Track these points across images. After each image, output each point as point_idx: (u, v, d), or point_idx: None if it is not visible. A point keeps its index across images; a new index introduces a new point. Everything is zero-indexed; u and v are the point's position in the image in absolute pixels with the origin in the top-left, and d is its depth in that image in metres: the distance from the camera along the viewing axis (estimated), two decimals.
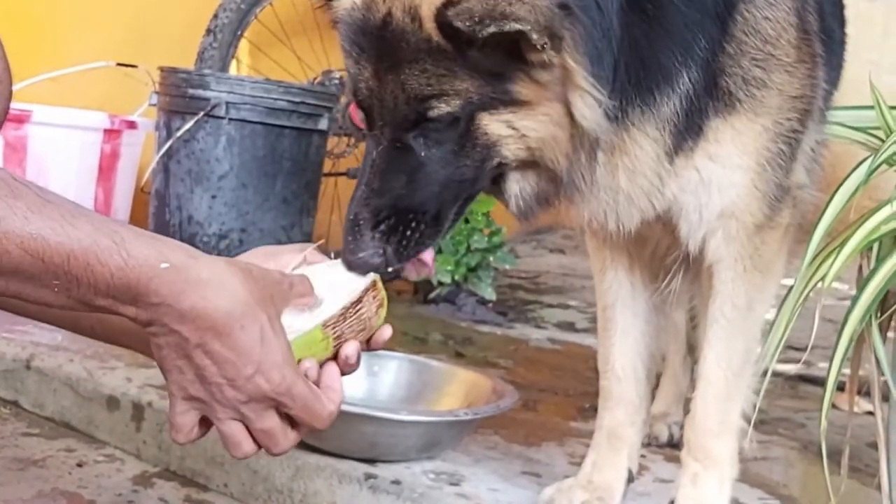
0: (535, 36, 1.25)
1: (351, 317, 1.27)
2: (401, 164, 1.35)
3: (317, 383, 1.26)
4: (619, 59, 1.38)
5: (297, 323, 1.24)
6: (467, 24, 1.25)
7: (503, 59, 1.30)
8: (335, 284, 1.29)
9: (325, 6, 1.40)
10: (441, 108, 1.32)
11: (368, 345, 1.33)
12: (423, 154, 1.35)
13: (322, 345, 1.25)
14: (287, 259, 1.35)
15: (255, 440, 1.22)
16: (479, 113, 1.33)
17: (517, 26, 1.24)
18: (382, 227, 1.35)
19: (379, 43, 1.31)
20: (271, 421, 1.21)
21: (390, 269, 1.36)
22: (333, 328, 1.26)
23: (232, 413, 1.19)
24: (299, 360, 1.25)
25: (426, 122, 1.33)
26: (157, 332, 1.14)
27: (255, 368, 1.16)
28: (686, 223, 1.58)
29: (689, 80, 1.45)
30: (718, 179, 1.54)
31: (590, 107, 1.35)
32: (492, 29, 1.24)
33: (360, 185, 1.37)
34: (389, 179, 1.35)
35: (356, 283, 1.30)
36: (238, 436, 1.21)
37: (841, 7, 1.83)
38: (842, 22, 1.83)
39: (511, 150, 1.37)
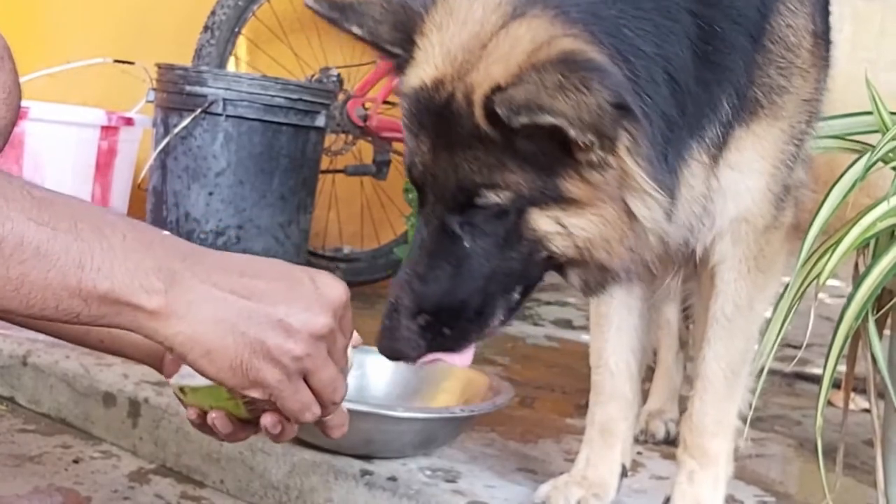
0: (573, 133, 1.21)
1: None
2: (447, 251, 1.33)
3: (227, 437, 1.22)
4: (688, 113, 1.36)
5: None
6: (504, 111, 1.21)
7: (553, 153, 1.27)
8: None
9: (397, 76, 1.37)
10: (489, 198, 1.30)
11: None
12: (469, 244, 1.33)
13: (230, 403, 1.19)
14: None
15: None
16: (529, 207, 1.31)
17: (552, 121, 1.20)
18: (421, 319, 1.34)
19: (439, 123, 1.29)
20: (343, 339, 1.15)
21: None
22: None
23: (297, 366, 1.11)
24: (209, 408, 1.21)
25: (474, 210, 1.31)
26: (195, 321, 1.04)
27: (312, 282, 1.12)
28: (699, 229, 1.57)
29: (728, 103, 1.44)
30: (735, 186, 1.54)
31: (651, 209, 1.32)
32: (523, 120, 1.20)
33: (407, 264, 1.35)
34: (434, 266, 1.33)
35: None
36: (339, 379, 1.15)
37: (827, 6, 1.84)
38: (827, 21, 1.83)
39: (558, 247, 1.34)
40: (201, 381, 1.17)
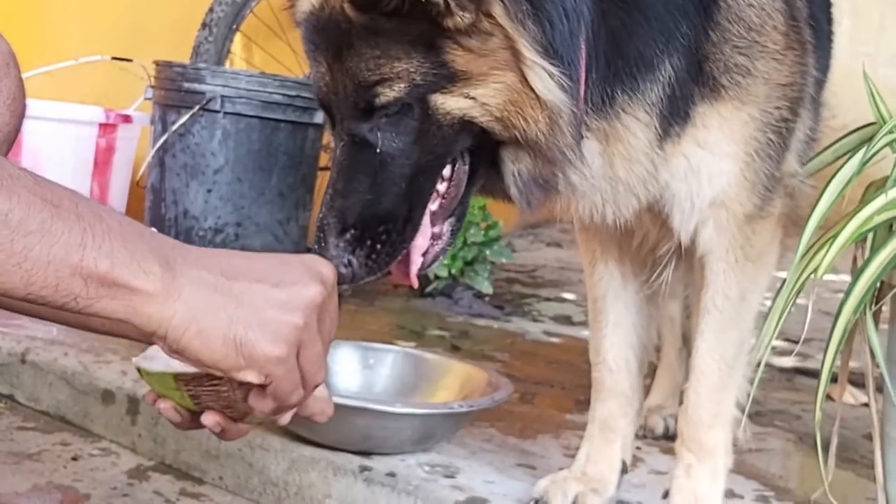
0: None
1: (206, 385, 1.19)
2: (363, 162, 1.32)
3: (179, 426, 1.23)
4: (593, 44, 1.35)
5: (162, 360, 1.20)
6: None
7: (424, 29, 1.27)
8: None
9: (290, 10, 1.40)
10: (388, 94, 1.29)
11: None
12: (382, 148, 1.32)
13: (177, 394, 1.21)
14: None
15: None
16: (430, 95, 1.31)
17: None
18: (349, 234, 1.33)
19: (325, 35, 1.31)
20: (329, 314, 1.16)
21: (357, 279, 1.32)
22: (187, 385, 1.20)
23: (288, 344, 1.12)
24: (159, 395, 1.23)
25: (378, 113, 1.31)
26: (190, 302, 1.05)
27: (298, 258, 1.14)
28: (678, 212, 1.57)
29: (672, 67, 1.43)
30: (708, 167, 1.53)
31: (541, 78, 1.31)
32: None
33: (328, 186, 1.34)
34: (352, 179, 1.32)
35: None
36: (321, 357, 1.16)
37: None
38: (828, 11, 1.83)
39: (480, 118, 1.33)
40: (156, 367, 1.20)
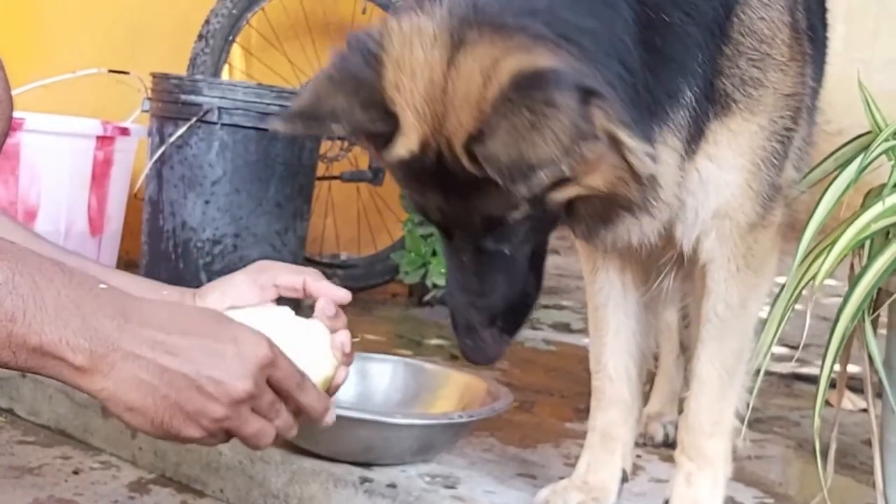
0: (565, 164, 1.20)
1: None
2: (493, 264, 1.36)
3: None
4: (641, 95, 1.37)
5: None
6: (498, 176, 1.19)
7: None
8: (286, 333, 1.28)
9: (379, 155, 1.34)
10: (516, 216, 1.32)
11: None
12: (509, 251, 1.36)
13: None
14: (281, 276, 1.37)
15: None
16: (547, 195, 1.32)
17: (548, 172, 1.19)
18: (497, 324, 1.40)
19: (439, 178, 1.29)
20: (269, 394, 1.19)
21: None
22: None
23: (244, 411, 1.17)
24: None
25: (504, 227, 1.33)
26: (121, 382, 1.09)
27: (235, 341, 1.15)
28: (682, 223, 1.58)
29: (692, 91, 1.45)
30: (715, 179, 1.54)
31: (639, 157, 1.32)
32: (523, 189, 1.20)
33: (456, 288, 1.38)
34: (488, 280, 1.36)
35: (313, 336, 1.32)
36: (264, 428, 1.20)
37: (823, 4, 1.84)
38: (823, 19, 1.83)
39: (587, 194, 1.36)
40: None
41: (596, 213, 1.43)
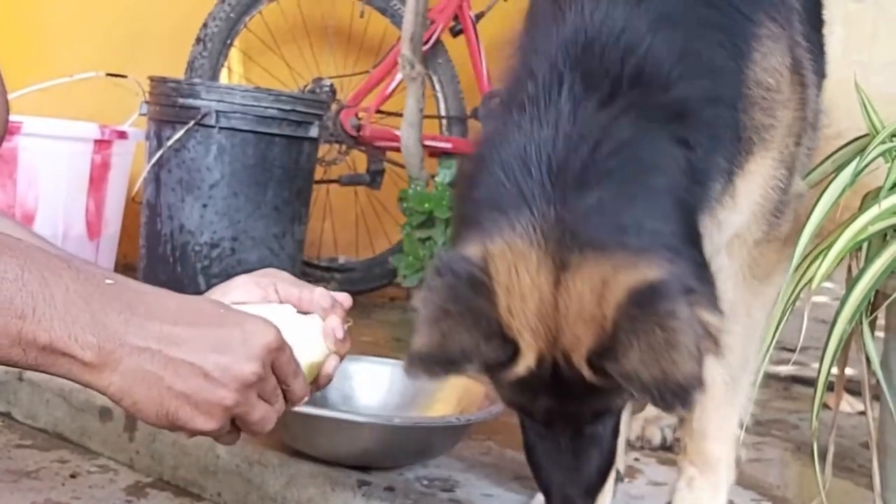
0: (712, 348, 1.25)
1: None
2: (589, 445, 1.38)
3: None
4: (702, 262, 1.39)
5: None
6: (646, 395, 1.21)
7: None
8: (280, 320, 1.27)
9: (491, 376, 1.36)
10: (619, 405, 1.37)
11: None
12: (603, 430, 1.39)
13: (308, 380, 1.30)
14: (281, 283, 1.37)
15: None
16: None
17: (698, 389, 1.21)
18: (591, 491, 1.41)
19: (554, 387, 1.30)
20: (273, 380, 1.20)
21: None
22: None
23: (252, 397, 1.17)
24: None
25: (607, 414, 1.37)
26: (128, 376, 1.09)
27: (241, 328, 1.15)
28: None
29: (725, 163, 1.47)
30: (730, 217, 1.55)
31: (721, 335, 1.33)
32: (679, 409, 1.22)
33: (553, 469, 1.39)
34: (586, 460, 1.38)
35: (306, 324, 1.32)
36: (268, 413, 1.20)
37: (819, 7, 1.84)
38: (820, 26, 1.84)
39: None
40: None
41: None
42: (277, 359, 1.19)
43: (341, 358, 1.36)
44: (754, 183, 1.55)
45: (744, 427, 1.69)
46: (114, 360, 1.09)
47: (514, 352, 1.27)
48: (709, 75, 1.42)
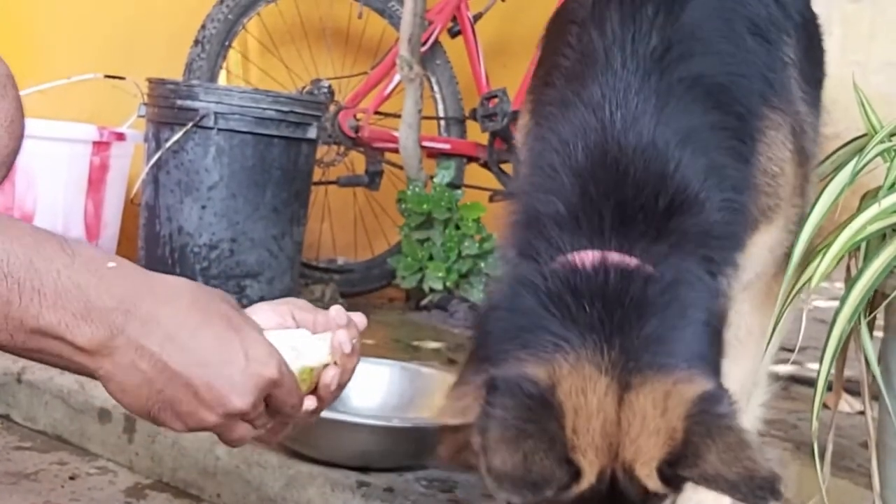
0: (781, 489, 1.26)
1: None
2: None
3: None
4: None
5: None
6: (696, 476, 1.25)
7: None
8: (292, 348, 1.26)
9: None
10: None
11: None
12: None
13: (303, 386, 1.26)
14: (298, 311, 1.35)
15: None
16: None
17: (781, 481, 1.25)
18: None
19: (608, 499, 1.30)
20: (262, 407, 1.18)
21: None
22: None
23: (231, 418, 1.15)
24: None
25: None
26: (119, 367, 1.08)
27: (244, 357, 1.12)
28: None
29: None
30: (742, 273, 1.58)
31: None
32: (767, 498, 1.24)
33: None
34: None
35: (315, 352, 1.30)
36: (247, 432, 1.19)
37: (820, 49, 1.85)
38: (821, 63, 1.85)
39: None
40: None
41: None
42: (274, 393, 1.16)
43: (349, 375, 1.34)
44: (762, 244, 1.60)
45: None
46: (108, 349, 1.07)
47: (577, 471, 1.28)
48: (729, 186, 1.46)
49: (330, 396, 1.30)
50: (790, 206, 1.64)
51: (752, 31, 1.57)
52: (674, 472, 1.27)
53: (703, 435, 1.25)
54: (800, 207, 1.66)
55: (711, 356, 1.38)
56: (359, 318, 1.36)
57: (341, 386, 1.31)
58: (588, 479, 1.28)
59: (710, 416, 1.26)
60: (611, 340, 1.29)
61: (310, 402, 1.26)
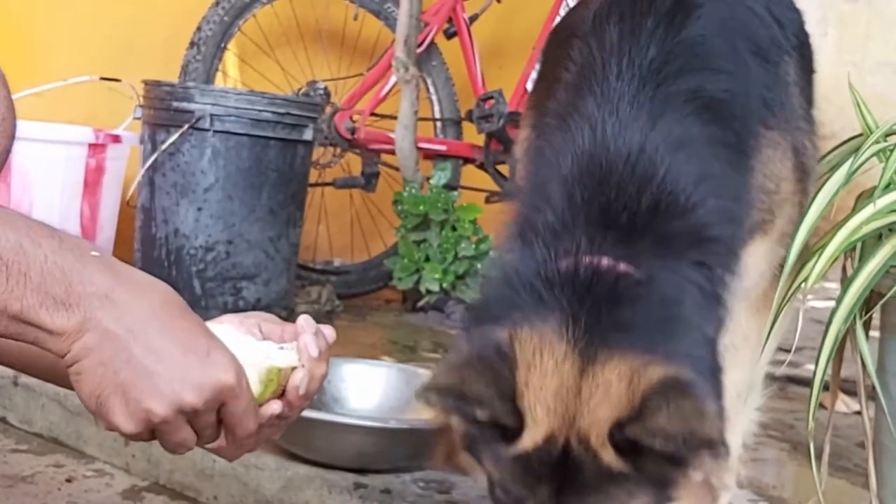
0: (722, 451, 1.25)
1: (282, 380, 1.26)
2: None
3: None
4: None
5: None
6: (652, 440, 1.23)
7: (671, 470, 1.30)
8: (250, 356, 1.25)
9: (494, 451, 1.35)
10: None
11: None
12: None
13: (271, 387, 1.24)
14: (265, 323, 1.35)
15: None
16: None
17: (698, 441, 1.23)
18: None
19: (559, 473, 1.30)
20: (213, 416, 1.17)
21: None
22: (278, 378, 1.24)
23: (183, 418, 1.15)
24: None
25: None
26: (85, 349, 1.09)
27: (206, 356, 1.13)
28: None
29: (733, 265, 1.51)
30: (737, 285, 1.57)
31: (717, 476, 1.37)
32: (675, 444, 1.23)
33: None
34: None
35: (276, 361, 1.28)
36: (190, 438, 1.18)
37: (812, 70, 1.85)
38: (812, 83, 1.86)
39: None
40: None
41: None
42: (228, 404, 1.16)
43: (318, 383, 1.32)
44: (757, 257, 1.60)
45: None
46: (78, 332, 1.09)
47: (520, 422, 1.29)
48: (723, 195, 1.46)
49: (298, 401, 1.28)
50: (786, 222, 1.64)
51: (754, 52, 1.58)
52: (623, 433, 1.25)
53: (659, 400, 1.23)
54: (796, 222, 1.66)
55: (700, 360, 1.36)
56: (328, 331, 1.35)
57: (309, 394, 1.29)
58: (534, 436, 1.28)
59: (674, 387, 1.24)
60: (577, 320, 1.30)
61: (276, 406, 1.24)
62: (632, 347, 1.29)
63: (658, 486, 1.31)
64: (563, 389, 1.29)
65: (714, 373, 1.40)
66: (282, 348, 1.29)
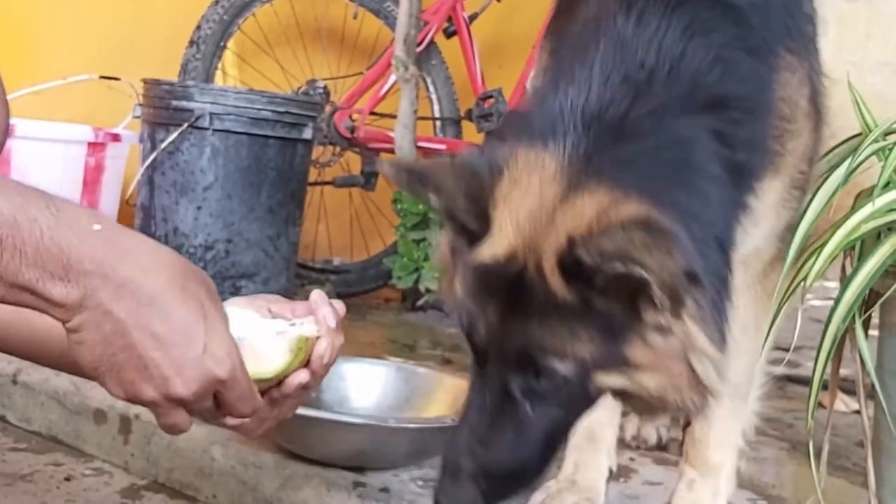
0: (657, 291, 1.22)
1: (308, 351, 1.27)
2: (509, 417, 1.33)
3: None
4: (727, 271, 1.40)
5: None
6: (594, 258, 1.20)
7: (624, 315, 1.27)
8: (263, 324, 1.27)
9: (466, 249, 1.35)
10: (556, 368, 1.29)
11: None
12: (530, 411, 1.33)
13: (300, 356, 1.25)
14: (274, 303, 1.35)
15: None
16: (593, 372, 1.30)
17: (643, 274, 1.19)
18: (482, 482, 1.35)
19: (510, 294, 1.29)
20: (208, 402, 1.17)
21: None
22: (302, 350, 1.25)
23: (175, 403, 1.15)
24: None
25: (538, 376, 1.31)
26: (85, 323, 1.09)
27: (202, 348, 1.13)
28: None
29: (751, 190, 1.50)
30: (747, 234, 1.55)
31: (707, 367, 1.32)
32: (619, 268, 1.20)
33: (465, 424, 1.35)
34: (496, 431, 1.33)
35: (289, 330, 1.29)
36: (184, 422, 1.18)
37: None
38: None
39: (633, 391, 1.33)
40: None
41: (640, 408, 1.48)
42: (223, 394, 1.16)
43: (336, 353, 1.32)
44: (765, 203, 1.56)
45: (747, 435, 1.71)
46: (78, 307, 1.08)
47: (484, 230, 1.29)
48: (741, 82, 1.44)
49: (322, 370, 1.30)
50: (798, 160, 1.60)
51: None
52: (571, 254, 1.23)
53: (618, 227, 1.21)
54: (805, 176, 1.63)
55: (699, 219, 1.33)
56: (339, 305, 1.36)
57: (330, 363, 1.31)
58: (495, 248, 1.28)
59: (643, 223, 1.21)
60: (577, 147, 1.31)
61: (303, 375, 1.26)
62: (620, 184, 1.27)
63: (606, 333, 1.27)
64: (539, 210, 1.28)
65: (721, 244, 1.37)
66: (293, 324, 1.30)
